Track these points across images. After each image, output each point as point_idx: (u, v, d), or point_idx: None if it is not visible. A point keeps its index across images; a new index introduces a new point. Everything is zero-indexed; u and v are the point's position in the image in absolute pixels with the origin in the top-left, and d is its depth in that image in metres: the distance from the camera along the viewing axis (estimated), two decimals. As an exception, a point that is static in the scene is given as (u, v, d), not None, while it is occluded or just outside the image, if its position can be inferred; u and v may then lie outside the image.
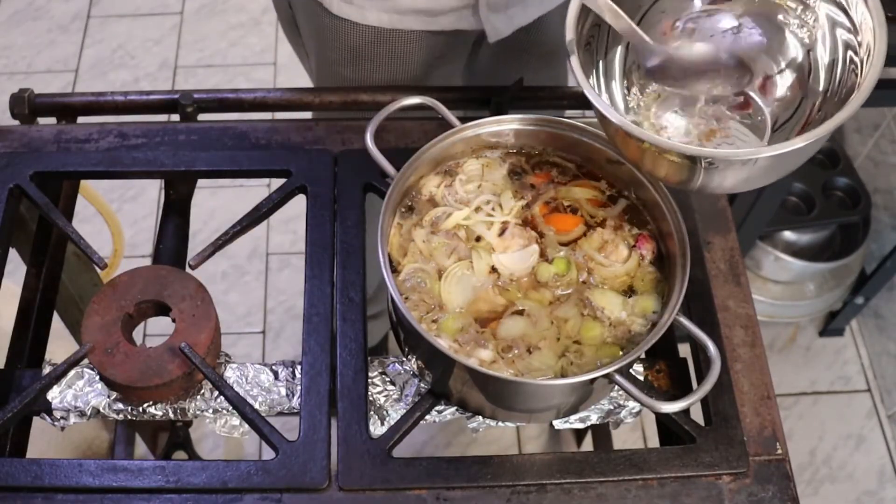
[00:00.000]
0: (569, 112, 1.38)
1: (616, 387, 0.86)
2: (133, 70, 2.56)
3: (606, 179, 0.98)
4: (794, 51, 0.94)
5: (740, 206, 1.74)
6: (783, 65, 0.95)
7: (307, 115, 1.27)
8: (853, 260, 2.03)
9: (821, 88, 0.92)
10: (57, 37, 2.63)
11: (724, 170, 0.85)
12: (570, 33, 0.89)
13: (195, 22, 2.67)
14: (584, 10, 0.90)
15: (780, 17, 0.94)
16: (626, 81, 0.98)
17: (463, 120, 0.96)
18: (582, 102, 1.24)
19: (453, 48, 1.26)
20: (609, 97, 0.96)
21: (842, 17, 0.89)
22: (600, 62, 0.96)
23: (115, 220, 1.56)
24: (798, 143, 0.81)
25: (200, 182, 1.16)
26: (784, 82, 0.95)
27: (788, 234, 2.00)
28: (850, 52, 0.88)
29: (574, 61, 0.88)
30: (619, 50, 0.96)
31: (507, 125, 0.97)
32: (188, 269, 1.02)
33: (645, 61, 0.92)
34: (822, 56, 0.92)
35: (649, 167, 0.90)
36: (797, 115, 0.94)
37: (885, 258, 1.92)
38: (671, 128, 0.95)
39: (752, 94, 0.95)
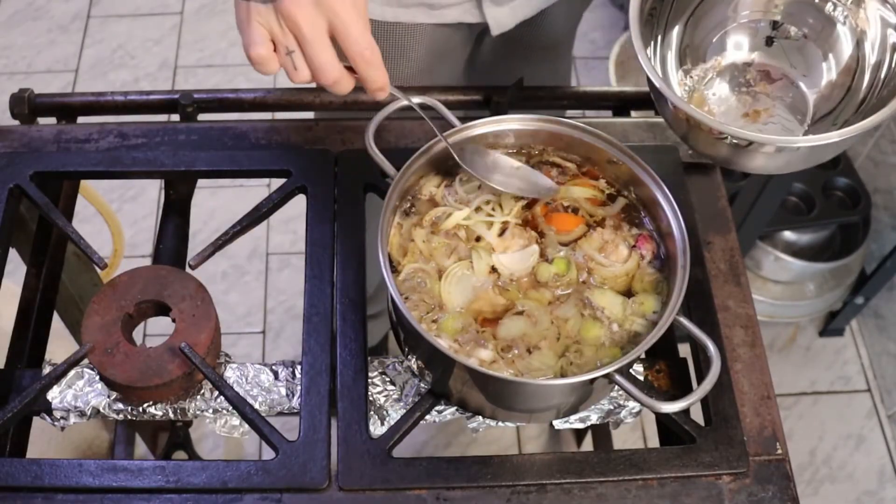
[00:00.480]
0: (569, 112, 1.38)
1: (616, 387, 0.86)
2: (133, 70, 2.56)
3: (606, 179, 0.98)
4: (843, 44, 0.96)
5: (740, 206, 1.74)
6: (830, 56, 0.97)
7: (307, 115, 1.27)
8: (853, 260, 2.03)
9: (864, 86, 0.94)
10: (57, 37, 2.63)
11: (766, 153, 0.89)
12: (634, 3, 0.93)
13: (195, 22, 2.67)
14: None
15: (829, 9, 0.96)
16: (681, 56, 1.01)
17: (463, 120, 0.96)
18: (582, 102, 1.24)
19: (456, 41, 1.26)
20: (663, 70, 1.00)
21: (893, 19, 0.91)
22: (659, 36, 0.99)
23: (115, 220, 1.55)
24: (833, 137, 0.85)
25: (200, 182, 1.16)
26: (829, 73, 0.98)
27: (788, 234, 2.00)
28: None
29: (634, 31, 0.92)
30: (678, 28, 1.00)
31: (507, 125, 0.97)
32: (188, 269, 1.02)
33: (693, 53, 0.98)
34: (870, 55, 0.94)
35: (694, 142, 0.94)
36: (840, 107, 0.96)
37: (885, 258, 1.92)
38: (719, 102, 0.98)
39: (797, 79, 0.97)
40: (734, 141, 0.89)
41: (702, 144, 0.94)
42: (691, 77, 1.02)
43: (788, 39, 1.02)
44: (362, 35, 0.81)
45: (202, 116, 1.17)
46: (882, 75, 0.93)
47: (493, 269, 0.92)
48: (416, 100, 0.95)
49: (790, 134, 0.98)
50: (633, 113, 1.21)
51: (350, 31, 0.80)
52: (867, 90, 0.94)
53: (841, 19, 0.97)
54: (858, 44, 0.96)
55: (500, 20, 1.20)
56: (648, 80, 0.91)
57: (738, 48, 1.03)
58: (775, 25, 1.02)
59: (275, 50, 0.83)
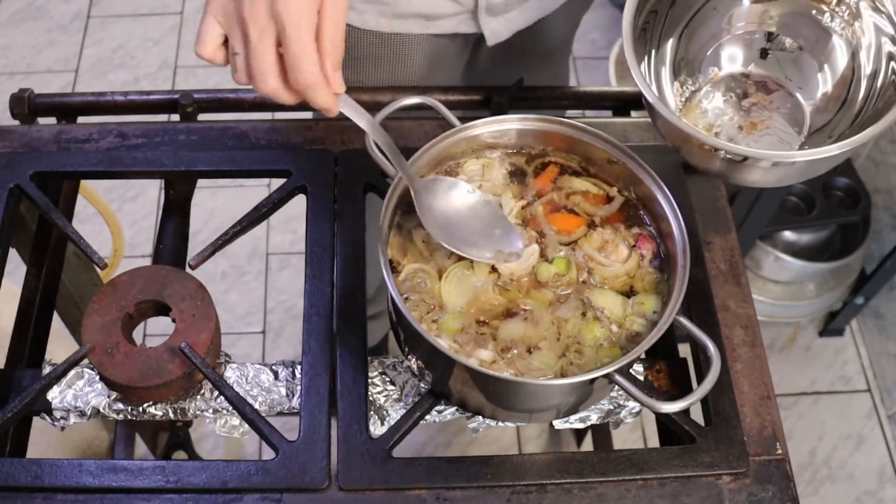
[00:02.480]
0: (569, 112, 1.38)
1: (616, 387, 0.86)
2: (133, 70, 2.56)
3: (606, 179, 0.98)
4: (838, 55, 0.96)
5: (740, 206, 1.74)
6: (825, 67, 0.97)
7: (307, 115, 1.27)
8: (853, 260, 2.03)
9: (860, 96, 0.94)
10: (57, 37, 2.63)
11: (763, 167, 0.89)
12: (627, 19, 0.92)
13: (195, 22, 2.66)
14: (643, 2, 0.94)
15: (825, 20, 0.96)
16: (675, 69, 1.01)
17: (463, 120, 0.96)
18: (582, 102, 1.24)
19: (453, 50, 1.26)
20: (657, 83, 1.00)
21: (889, 29, 0.91)
22: (653, 51, 0.99)
23: (115, 220, 1.55)
24: (833, 150, 0.85)
25: (200, 182, 1.16)
26: (825, 84, 0.97)
27: (788, 234, 2.00)
28: (892, 64, 0.90)
29: (627, 46, 0.91)
30: (672, 41, 1.00)
31: (507, 125, 0.97)
32: (188, 269, 1.02)
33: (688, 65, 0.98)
34: (866, 65, 0.94)
35: (688, 156, 0.94)
36: (836, 119, 0.96)
37: (885, 258, 1.92)
38: (715, 115, 0.98)
39: (794, 91, 0.97)
40: (728, 156, 0.88)
41: (697, 159, 0.93)
42: (686, 90, 1.02)
43: (783, 51, 1.02)
44: (303, 51, 0.78)
45: (202, 116, 1.17)
46: (878, 85, 0.93)
47: (494, 269, 0.92)
48: (416, 100, 0.95)
49: (787, 145, 0.97)
50: (633, 113, 1.21)
51: (290, 45, 0.77)
52: (863, 101, 0.94)
53: (836, 30, 0.97)
54: (854, 54, 0.95)
55: (496, 31, 1.20)
56: (642, 95, 0.91)
57: (733, 60, 1.03)
58: (770, 37, 1.01)
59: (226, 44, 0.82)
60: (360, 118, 0.88)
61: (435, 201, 0.90)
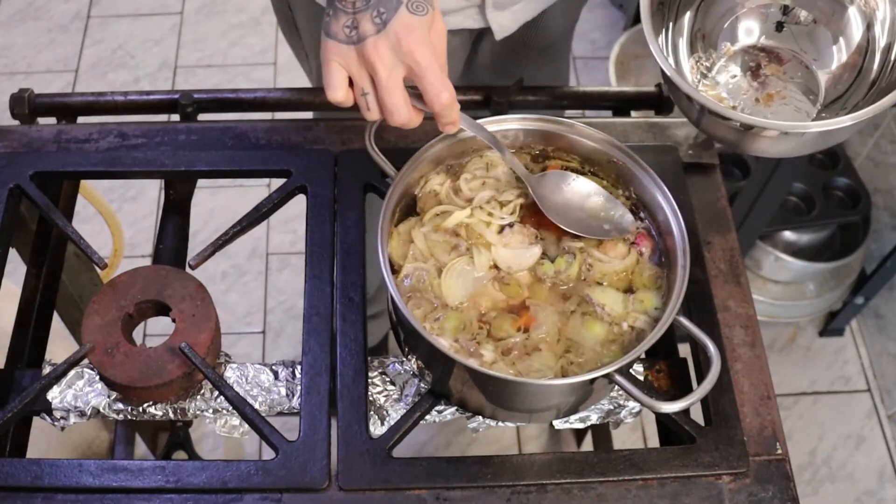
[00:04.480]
0: (569, 112, 1.38)
1: (616, 387, 0.86)
2: (133, 70, 2.56)
3: (607, 179, 0.98)
4: (853, 27, 0.97)
5: (740, 206, 1.74)
6: (840, 39, 0.98)
7: (307, 115, 1.27)
8: (853, 260, 2.03)
9: (875, 67, 0.95)
10: (57, 37, 2.63)
11: (776, 138, 0.91)
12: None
13: (195, 22, 2.67)
14: None
15: None
16: (692, 43, 1.02)
17: (463, 120, 0.96)
18: (582, 102, 1.24)
19: (455, 44, 1.26)
20: (675, 57, 1.01)
21: None
22: (671, 23, 1.00)
23: (115, 220, 1.55)
24: (846, 121, 0.86)
25: (200, 182, 1.16)
26: (840, 56, 0.98)
27: (788, 234, 2.00)
28: None
29: (645, 19, 0.93)
30: (689, 14, 1.01)
31: (508, 125, 0.97)
32: (188, 269, 1.02)
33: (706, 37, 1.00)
34: (881, 37, 0.95)
35: (706, 129, 0.96)
36: (851, 90, 0.97)
37: (885, 258, 1.92)
38: (731, 88, 0.99)
39: (811, 65, 0.98)
40: (744, 128, 0.90)
41: (713, 129, 0.95)
42: (703, 63, 1.02)
43: (798, 24, 1.03)
44: (438, 78, 0.84)
45: (202, 116, 1.17)
46: (893, 57, 0.94)
47: (495, 265, 0.92)
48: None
49: (804, 115, 0.99)
50: (633, 113, 1.21)
51: (426, 75, 0.83)
52: (878, 72, 0.95)
53: (851, 2, 0.98)
54: (869, 26, 0.96)
55: (504, 24, 1.20)
56: (661, 69, 0.92)
57: (749, 34, 1.04)
58: (786, 10, 1.03)
59: (351, 85, 0.86)
60: (477, 130, 0.94)
61: (548, 192, 0.95)
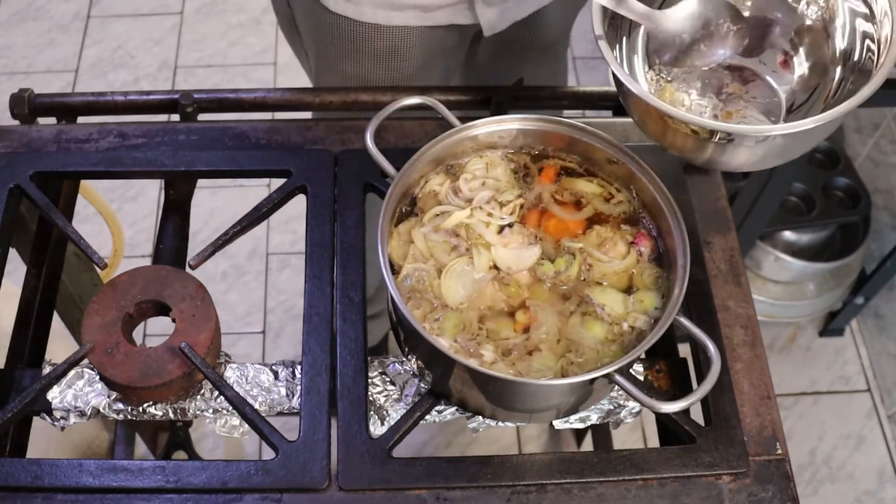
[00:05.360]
0: (569, 112, 1.38)
1: (616, 387, 0.86)
2: (133, 70, 2.56)
3: (606, 179, 0.98)
4: (811, 35, 0.96)
5: (740, 206, 1.74)
6: (799, 47, 0.97)
7: (307, 115, 1.27)
8: (853, 260, 2.03)
9: (837, 76, 0.93)
10: (57, 37, 2.63)
11: (738, 146, 0.88)
12: (596, 8, 0.92)
13: (195, 22, 2.67)
14: None
15: (796, 2, 0.96)
16: (647, 60, 1.00)
17: (463, 120, 0.96)
18: (582, 102, 1.24)
19: (450, 42, 1.26)
20: (630, 72, 0.98)
21: (862, 7, 0.91)
22: (624, 38, 0.97)
23: (115, 220, 1.55)
24: (809, 123, 0.84)
25: (200, 182, 1.16)
26: (800, 65, 0.97)
27: (788, 234, 2.00)
28: (867, 42, 0.90)
29: (598, 27, 0.90)
30: (643, 29, 0.99)
31: (508, 125, 0.97)
32: (188, 269, 1.02)
33: (660, 56, 0.95)
34: (840, 45, 0.94)
35: (668, 141, 0.92)
36: (812, 100, 0.96)
37: (885, 258, 1.92)
38: (690, 104, 0.97)
39: (767, 77, 0.97)
40: (704, 136, 0.87)
41: (670, 140, 0.92)
42: (662, 79, 1.00)
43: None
44: None
45: (202, 116, 1.17)
46: (852, 65, 0.93)
47: (494, 266, 0.92)
48: (416, 100, 0.95)
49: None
50: (633, 113, 1.20)
51: None
52: (839, 80, 0.94)
53: (809, 12, 0.97)
54: (828, 35, 0.95)
55: (492, 21, 1.20)
56: (615, 77, 0.89)
57: (707, 47, 1.02)
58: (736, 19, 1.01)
59: None
60: None
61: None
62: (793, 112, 0.97)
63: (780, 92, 0.98)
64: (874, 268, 1.98)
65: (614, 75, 0.90)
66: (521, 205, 0.96)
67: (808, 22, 0.97)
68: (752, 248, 1.98)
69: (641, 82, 0.99)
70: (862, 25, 0.91)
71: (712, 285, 1.03)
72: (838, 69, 0.94)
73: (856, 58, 0.92)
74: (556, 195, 0.97)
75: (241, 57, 2.57)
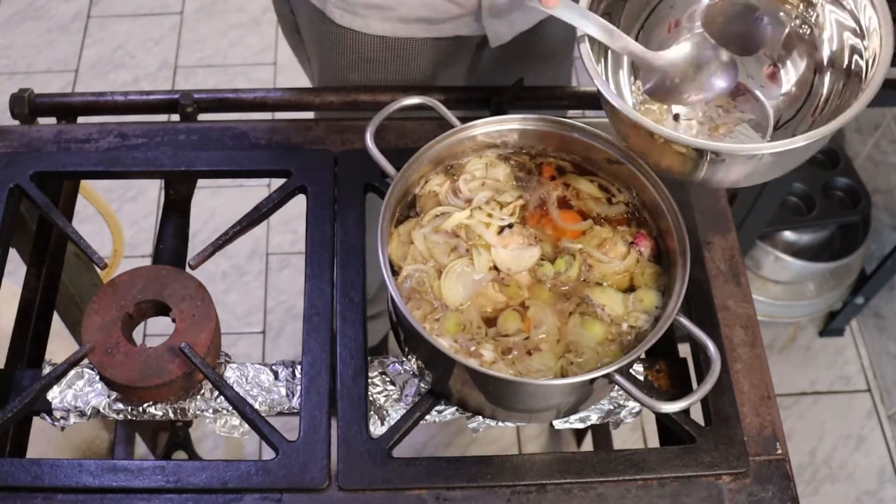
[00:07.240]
0: (569, 112, 1.38)
1: (616, 387, 0.86)
2: (133, 70, 2.56)
3: (606, 179, 0.98)
4: (798, 49, 0.95)
5: (740, 206, 1.74)
6: (787, 60, 0.96)
7: (307, 115, 1.27)
8: (853, 260, 2.02)
9: (825, 89, 0.92)
10: (57, 37, 2.63)
11: (728, 164, 0.87)
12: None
13: (195, 22, 2.67)
14: (597, 1, 0.91)
15: (783, 17, 0.95)
16: (633, 76, 0.99)
17: (463, 120, 0.96)
18: (582, 102, 1.24)
19: (457, 52, 1.26)
20: (617, 88, 0.97)
21: (850, 22, 0.90)
22: (608, 52, 0.96)
23: (115, 220, 1.55)
24: (799, 141, 0.83)
25: (200, 182, 1.16)
26: (788, 79, 0.96)
27: (788, 234, 2.00)
28: (855, 56, 0.89)
29: (584, 50, 0.89)
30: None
31: (508, 125, 0.97)
32: (188, 269, 1.02)
33: (644, 83, 0.94)
34: (827, 59, 0.93)
35: (655, 159, 0.91)
36: (801, 115, 0.95)
37: (885, 258, 1.92)
38: (677, 118, 0.97)
39: (755, 90, 0.96)
40: (691, 154, 0.86)
41: (656, 158, 0.91)
42: (645, 98, 0.98)
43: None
44: None
45: (202, 116, 1.17)
46: (840, 78, 0.91)
47: (494, 266, 0.92)
48: (416, 100, 0.95)
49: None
50: (633, 113, 1.20)
51: None
52: (826, 95, 0.93)
53: (796, 25, 0.96)
54: (815, 49, 0.94)
55: (499, 33, 1.21)
56: (599, 92, 0.88)
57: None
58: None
59: None
60: (579, 18, 0.91)
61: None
62: (781, 126, 0.96)
63: (768, 105, 0.97)
64: (874, 268, 1.98)
65: (599, 92, 0.88)
66: (520, 206, 0.96)
67: (796, 35, 0.95)
68: (752, 248, 1.98)
69: (627, 97, 0.98)
70: (850, 39, 0.90)
71: (712, 285, 1.03)
72: (826, 82, 0.93)
73: (844, 71, 0.91)
74: (556, 194, 0.97)
75: (241, 57, 2.57)
